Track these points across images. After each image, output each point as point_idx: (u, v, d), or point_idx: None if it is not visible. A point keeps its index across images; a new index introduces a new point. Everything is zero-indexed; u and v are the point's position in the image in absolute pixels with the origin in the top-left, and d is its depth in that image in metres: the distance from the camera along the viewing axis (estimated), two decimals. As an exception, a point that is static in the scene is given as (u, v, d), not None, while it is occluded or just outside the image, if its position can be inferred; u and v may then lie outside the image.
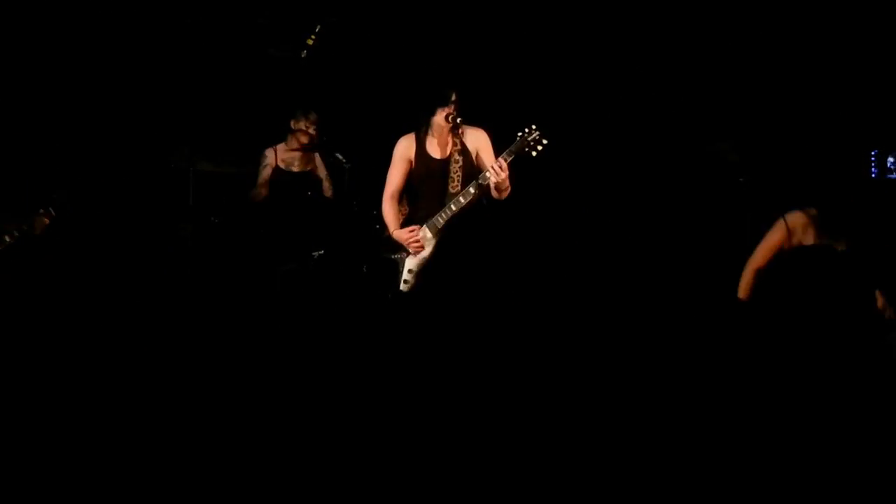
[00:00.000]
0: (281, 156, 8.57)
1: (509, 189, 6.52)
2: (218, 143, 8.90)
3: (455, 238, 2.71)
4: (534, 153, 6.54)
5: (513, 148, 6.51)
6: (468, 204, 6.50)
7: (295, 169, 8.58)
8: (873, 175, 6.72)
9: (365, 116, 8.91)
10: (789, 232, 5.91)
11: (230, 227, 8.31)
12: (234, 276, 8.02)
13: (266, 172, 8.57)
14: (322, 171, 8.74)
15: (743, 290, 5.91)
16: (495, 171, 6.40)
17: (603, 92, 8.97)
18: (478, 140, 6.68)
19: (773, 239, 5.92)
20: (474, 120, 6.77)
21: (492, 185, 6.47)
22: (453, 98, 6.64)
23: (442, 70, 6.85)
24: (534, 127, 6.57)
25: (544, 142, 6.53)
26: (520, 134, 6.56)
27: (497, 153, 6.58)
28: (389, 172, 6.79)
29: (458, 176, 6.58)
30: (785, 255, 2.98)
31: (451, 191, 6.58)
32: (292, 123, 8.54)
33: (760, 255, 5.94)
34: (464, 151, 6.56)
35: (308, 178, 8.61)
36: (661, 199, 8.84)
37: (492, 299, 2.68)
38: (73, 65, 8.77)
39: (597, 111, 9.00)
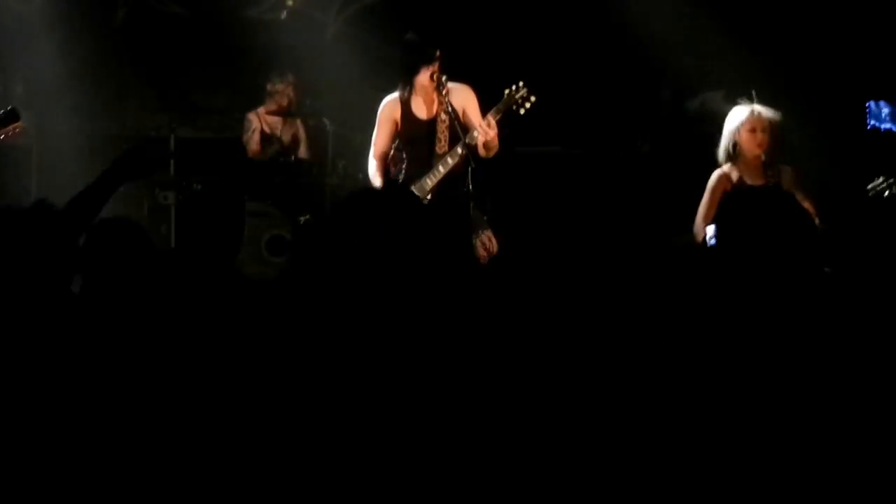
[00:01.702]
0: (265, 118, 8.59)
1: (497, 148, 6.55)
2: (197, 109, 8.96)
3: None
4: (521, 111, 6.57)
5: (500, 106, 6.53)
6: (456, 165, 6.52)
7: (279, 133, 8.62)
8: (869, 127, 6.81)
9: (347, 77, 8.91)
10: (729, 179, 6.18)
11: (214, 195, 8.35)
12: (220, 246, 8.06)
13: (256, 137, 8.57)
14: (303, 135, 8.80)
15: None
16: (483, 130, 6.42)
17: (590, 44, 9.01)
18: (464, 98, 6.67)
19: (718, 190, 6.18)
20: (459, 77, 6.75)
21: (479, 145, 6.49)
22: (437, 56, 6.60)
23: (425, 27, 6.84)
24: (521, 84, 6.59)
25: (532, 99, 6.56)
26: (507, 91, 6.58)
27: (484, 111, 6.59)
28: (375, 135, 6.79)
29: (445, 136, 6.59)
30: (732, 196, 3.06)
31: (439, 152, 6.60)
32: (269, 86, 8.57)
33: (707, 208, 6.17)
34: (450, 111, 6.54)
35: (292, 142, 8.66)
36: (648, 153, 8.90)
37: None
38: (46, 31, 8.79)
39: (583, 65, 9.04)
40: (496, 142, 6.52)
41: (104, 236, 3.53)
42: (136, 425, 2.76)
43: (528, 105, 6.61)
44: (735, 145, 6.25)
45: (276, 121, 8.60)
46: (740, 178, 6.22)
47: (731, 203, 3.12)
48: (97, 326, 3.17)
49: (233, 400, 2.66)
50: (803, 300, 2.86)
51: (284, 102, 8.52)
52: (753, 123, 6.21)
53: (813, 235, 3.02)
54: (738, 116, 6.28)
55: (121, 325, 3.17)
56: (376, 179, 6.75)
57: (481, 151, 6.57)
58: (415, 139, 6.70)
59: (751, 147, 6.19)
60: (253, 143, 8.60)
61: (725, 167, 6.29)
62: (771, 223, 2.94)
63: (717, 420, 2.65)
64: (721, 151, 6.29)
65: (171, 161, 8.18)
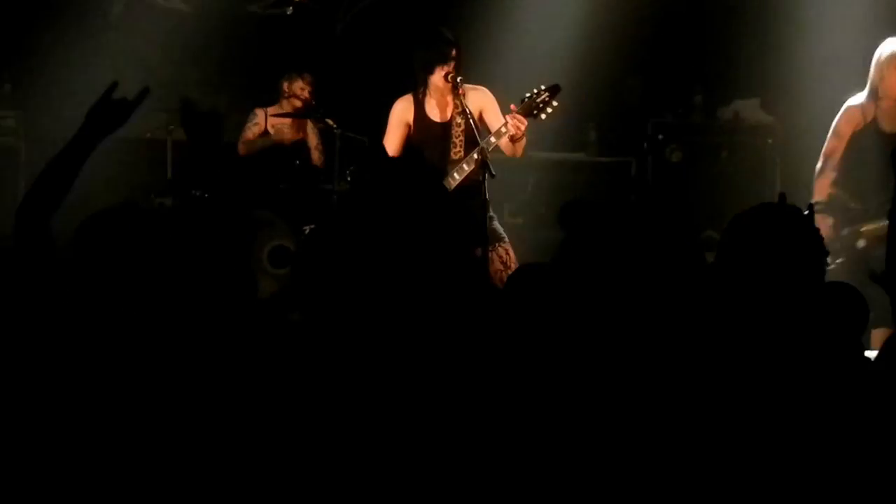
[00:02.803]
0: (271, 119, 8.45)
1: (524, 142, 6.41)
2: (197, 110, 8.82)
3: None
4: (543, 115, 6.41)
5: (521, 109, 6.35)
6: (472, 171, 6.36)
7: (285, 135, 8.48)
8: None
9: (357, 77, 8.80)
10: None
11: (214, 201, 8.24)
12: (220, 255, 7.92)
13: (252, 132, 8.45)
14: (313, 139, 8.65)
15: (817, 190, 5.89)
16: (513, 123, 6.24)
17: (618, 48, 8.88)
18: (481, 100, 6.53)
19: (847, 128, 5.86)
20: (477, 80, 6.65)
21: (506, 140, 6.33)
22: (453, 55, 6.46)
23: (440, 25, 6.72)
24: (543, 87, 6.42)
25: (555, 104, 6.40)
26: (528, 95, 6.40)
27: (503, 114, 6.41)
28: (386, 138, 6.64)
29: (461, 140, 6.45)
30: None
31: (454, 157, 6.46)
32: (285, 85, 8.45)
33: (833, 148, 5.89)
34: (465, 113, 6.40)
35: (298, 147, 8.53)
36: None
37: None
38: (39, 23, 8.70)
39: (611, 69, 8.93)
40: (524, 136, 6.35)
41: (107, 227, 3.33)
42: (135, 426, 2.75)
43: (549, 110, 6.44)
44: (881, 80, 5.83)
45: (283, 124, 8.47)
46: (874, 120, 5.86)
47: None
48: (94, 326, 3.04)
49: (233, 405, 2.67)
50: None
51: (299, 104, 8.43)
52: None
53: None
54: (889, 48, 5.84)
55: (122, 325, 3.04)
56: (386, 186, 6.59)
57: (507, 149, 6.43)
58: (428, 143, 6.52)
59: (894, 87, 5.79)
60: (245, 134, 8.47)
61: (861, 100, 5.94)
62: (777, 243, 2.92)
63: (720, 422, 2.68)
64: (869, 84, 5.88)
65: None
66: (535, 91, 6.42)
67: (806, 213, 3.07)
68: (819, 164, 6.02)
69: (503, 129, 6.31)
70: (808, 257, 2.95)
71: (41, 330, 2.96)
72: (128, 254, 3.22)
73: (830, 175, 5.99)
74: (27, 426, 2.80)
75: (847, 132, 5.89)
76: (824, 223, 5.95)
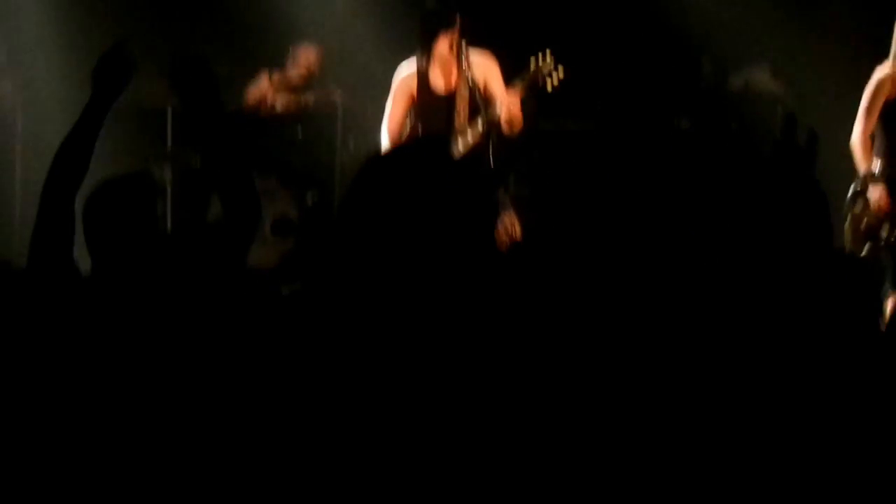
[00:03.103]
0: (275, 85, 8.42)
1: (522, 125, 6.33)
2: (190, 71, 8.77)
3: None
4: (548, 86, 6.35)
5: (524, 79, 6.32)
6: (476, 143, 6.33)
7: (286, 103, 8.44)
8: None
9: (359, 45, 8.73)
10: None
11: (214, 171, 8.20)
12: (220, 226, 7.91)
13: (254, 94, 8.41)
14: (310, 106, 8.59)
15: (863, 160, 5.91)
16: (506, 106, 6.22)
17: (626, 13, 8.81)
18: (486, 68, 6.46)
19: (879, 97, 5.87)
20: (482, 44, 6.55)
21: (503, 122, 6.28)
22: (458, 22, 6.37)
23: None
24: (548, 52, 6.36)
25: (560, 70, 6.32)
26: (532, 62, 6.35)
27: (508, 81, 6.39)
28: (388, 107, 6.59)
29: (465, 110, 6.40)
30: None
31: (458, 128, 6.41)
32: (295, 53, 8.41)
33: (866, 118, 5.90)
34: (470, 82, 6.35)
35: (299, 116, 8.48)
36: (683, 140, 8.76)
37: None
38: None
39: (618, 35, 8.86)
40: (520, 119, 6.29)
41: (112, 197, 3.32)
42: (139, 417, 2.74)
43: (554, 78, 6.36)
44: None
45: (287, 91, 8.43)
46: None
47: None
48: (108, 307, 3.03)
49: (235, 394, 2.59)
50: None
51: (305, 73, 8.38)
52: None
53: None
54: None
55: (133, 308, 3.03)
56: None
57: (504, 128, 6.34)
58: (432, 113, 6.48)
59: None
60: (250, 98, 8.43)
61: (887, 70, 5.92)
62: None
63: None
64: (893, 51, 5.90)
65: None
66: (541, 56, 6.35)
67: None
68: (855, 137, 6.04)
69: (498, 112, 6.27)
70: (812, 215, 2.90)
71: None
72: (136, 224, 3.21)
73: (868, 145, 6.01)
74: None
75: (879, 103, 5.90)
76: (881, 192, 5.99)
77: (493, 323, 2.55)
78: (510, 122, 6.28)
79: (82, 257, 3.29)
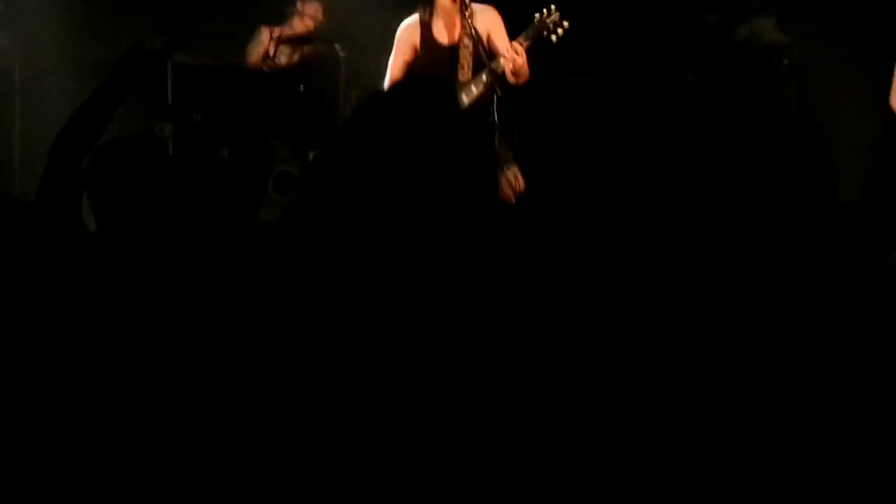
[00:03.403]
0: (274, 44, 8.33)
1: (528, 75, 6.30)
2: (197, 32, 8.72)
3: None
4: (553, 38, 6.32)
5: (529, 31, 6.28)
6: (480, 95, 6.30)
7: (285, 59, 8.39)
8: None
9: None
10: None
11: (215, 126, 8.17)
12: (221, 185, 7.87)
13: (256, 52, 8.34)
14: (315, 57, 8.52)
15: None
16: (511, 55, 6.18)
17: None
18: (489, 21, 6.43)
19: None
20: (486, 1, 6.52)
21: (507, 72, 6.25)
22: (460, -25, 6.39)
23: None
24: (553, 7, 6.34)
25: (565, 24, 6.31)
26: (537, 16, 6.33)
27: (512, 35, 6.34)
28: (391, 60, 6.56)
29: (468, 62, 6.35)
30: None
31: (462, 80, 6.37)
32: (299, 6, 8.34)
33: None
34: (473, 35, 6.31)
35: (300, 71, 8.43)
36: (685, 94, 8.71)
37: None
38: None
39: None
40: (526, 68, 6.26)
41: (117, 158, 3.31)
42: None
43: (560, 31, 6.37)
44: None
45: (288, 50, 8.37)
46: None
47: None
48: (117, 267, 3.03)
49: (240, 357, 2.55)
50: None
51: (311, 26, 8.32)
52: None
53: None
54: None
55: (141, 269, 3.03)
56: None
57: (510, 78, 6.31)
58: (435, 66, 6.42)
59: None
60: (250, 56, 8.37)
61: None
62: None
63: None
64: None
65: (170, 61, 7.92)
66: (545, 10, 6.34)
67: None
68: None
69: (502, 62, 6.24)
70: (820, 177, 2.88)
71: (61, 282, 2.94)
72: (143, 183, 3.20)
73: None
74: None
75: None
76: None
77: (494, 276, 2.53)
78: (516, 72, 6.25)
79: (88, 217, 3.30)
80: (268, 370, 2.42)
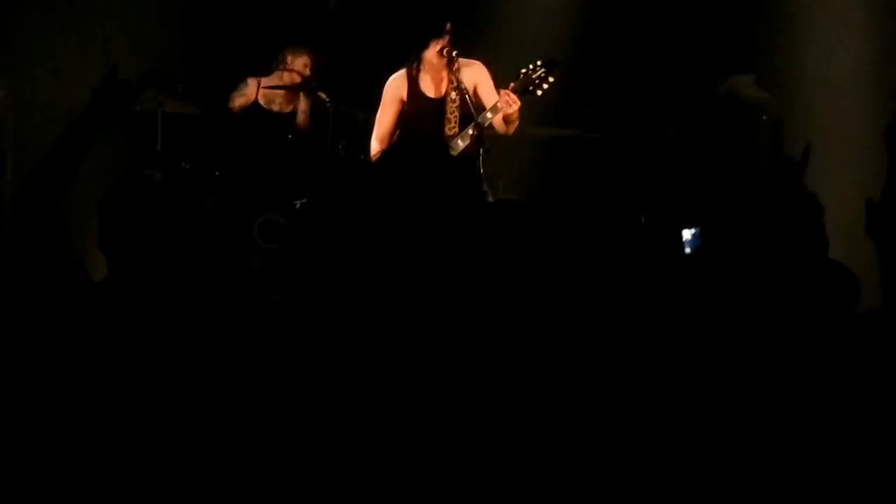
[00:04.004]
0: (263, 90, 8.34)
1: (517, 122, 6.40)
2: (188, 82, 8.77)
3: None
4: (539, 91, 6.40)
5: (517, 84, 6.37)
6: (467, 147, 6.37)
7: (275, 108, 8.41)
8: None
9: (350, 50, 8.76)
10: None
11: (203, 174, 8.20)
12: (209, 227, 7.88)
13: (239, 102, 8.33)
14: (303, 107, 8.55)
15: None
16: (505, 101, 6.25)
17: (612, 22, 8.86)
18: (476, 75, 6.52)
19: None
20: (471, 54, 6.63)
21: (499, 119, 6.34)
22: (448, 29, 6.47)
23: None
24: (539, 63, 6.43)
25: (550, 79, 6.39)
26: (524, 70, 6.42)
27: (498, 90, 6.41)
28: (379, 114, 6.67)
29: (455, 116, 6.46)
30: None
31: (448, 132, 6.47)
32: (289, 59, 8.35)
33: None
34: (460, 89, 6.41)
35: (290, 120, 8.46)
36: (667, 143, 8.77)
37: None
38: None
39: (606, 43, 8.89)
40: (517, 115, 6.35)
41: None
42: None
43: (545, 86, 6.43)
44: None
45: (275, 94, 8.40)
46: None
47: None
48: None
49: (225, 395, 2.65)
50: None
51: (298, 79, 8.33)
52: None
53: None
54: None
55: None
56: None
57: (500, 127, 6.43)
58: (422, 119, 6.55)
59: None
60: (234, 103, 8.35)
61: None
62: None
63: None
64: None
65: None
66: (531, 66, 6.41)
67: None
68: None
69: (498, 106, 6.30)
70: (804, 228, 2.96)
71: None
72: (151, 226, 3.25)
73: None
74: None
75: None
76: None
77: (484, 323, 2.59)
78: (508, 118, 6.32)
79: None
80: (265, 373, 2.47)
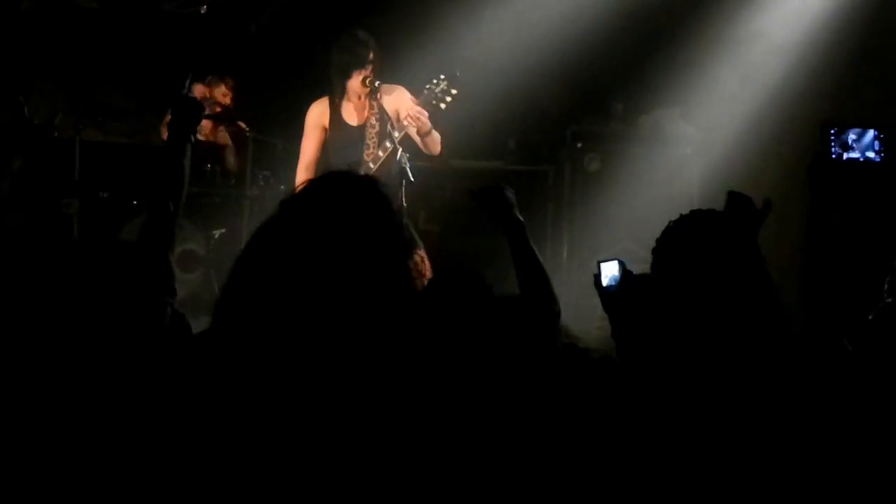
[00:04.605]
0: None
1: (435, 135, 6.39)
2: (107, 109, 8.70)
3: None
4: (443, 105, 6.37)
5: (421, 100, 6.34)
6: (381, 166, 6.37)
7: (202, 137, 8.37)
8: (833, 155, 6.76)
9: (271, 79, 8.76)
10: None
11: (121, 203, 8.13)
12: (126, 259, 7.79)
13: (165, 133, 8.29)
14: (226, 141, 8.56)
15: None
16: (412, 117, 6.24)
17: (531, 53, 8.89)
18: (397, 100, 6.49)
19: None
20: (394, 79, 6.64)
21: (414, 135, 6.33)
22: (371, 58, 6.46)
23: (358, 28, 6.66)
24: (442, 77, 6.40)
25: (454, 92, 6.36)
26: (427, 86, 6.40)
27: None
28: (303, 143, 6.61)
29: (374, 142, 6.44)
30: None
31: (367, 158, 6.45)
32: (207, 90, 8.34)
33: None
34: (381, 116, 6.40)
35: (211, 149, 8.43)
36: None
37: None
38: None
39: (530, 77, 8.93)
40: (428, 125, 6.32)
41: None
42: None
43: (448, 99, 6.38)
44: None
45: (205, 129, 8.37)
46: None
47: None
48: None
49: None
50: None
51: (219, 108, 8.30)
52: None
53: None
54: None
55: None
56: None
57: (422, 145, 6.42)
58: (343, 147, 6.52)
59: None
60: (164, 132, 8.30)
61: None
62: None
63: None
64: None
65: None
66: (434, 81, 6.39)
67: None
68: None
69: (405, 122, 6.30)
70: (746, 264, 2.96)
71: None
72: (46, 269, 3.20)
73: None
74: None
75: None
76: None
77: (404, 357, 2.56)
78: (421, 131, 6.30)
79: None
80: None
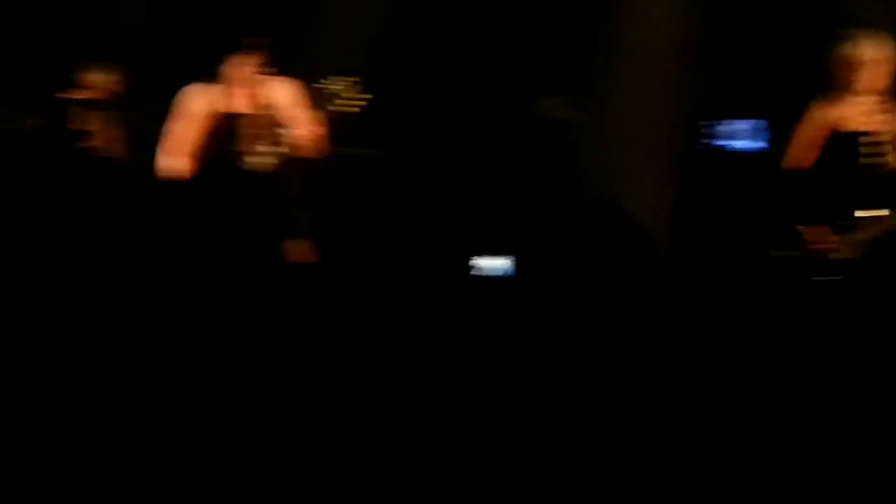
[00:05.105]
0: (69, 108, 8.23)
1: (315, 144, 6.38)
2: (11, 95, 8.62)
3: None
4: (350, 109, 6.36)
5: (327, 102, 6.33)
6: (269, 164, 6.32)
7: (80, 124, 8.28)
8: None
9: (160, 67, 8.68)
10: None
11: (29, 198, 8.06)
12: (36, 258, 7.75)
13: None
14: (99, 126, 8.44)
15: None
16: (304, 125, 6.26)
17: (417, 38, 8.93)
18: (287, 92, 6.48)
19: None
20: (287, 72, 6.58)
21: (303, 140, 6.34)
22: (258, 46, 6.42)
23: (246, 14, 6.64)
24: (351, 80, 6.40)
25: (363, 96, 6.36)
26: (336, 87, 6.38)
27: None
28: (175, 126, 6.49)
29: (255, 133, 6.36)
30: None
31: (247, 149, 6.37)
32: (86, 76, 8.25)
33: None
34: (267, 107, 6.38)
35: (84, 137, 8.34)
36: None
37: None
38: None
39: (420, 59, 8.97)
40: (323, 137, 6.35)
41: None
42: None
43: (356, 103, 6.40)
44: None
45: (82, 113, 8.29)
46: None
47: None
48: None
49: None
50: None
51: (97, 95, 8.22)
52: None
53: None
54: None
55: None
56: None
57: (304, 148, 6.38)
58: (223, 136, 6.44)
59: None
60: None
61: None
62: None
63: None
64: None
65: None
66: (344, 84, 6.40)
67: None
68: None
69: (297, 131, 6.30)
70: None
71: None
72: None
73: None
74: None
75: None
76: None
77: (287, 338, 2.60)
78: (314, 139, 6.30)
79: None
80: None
